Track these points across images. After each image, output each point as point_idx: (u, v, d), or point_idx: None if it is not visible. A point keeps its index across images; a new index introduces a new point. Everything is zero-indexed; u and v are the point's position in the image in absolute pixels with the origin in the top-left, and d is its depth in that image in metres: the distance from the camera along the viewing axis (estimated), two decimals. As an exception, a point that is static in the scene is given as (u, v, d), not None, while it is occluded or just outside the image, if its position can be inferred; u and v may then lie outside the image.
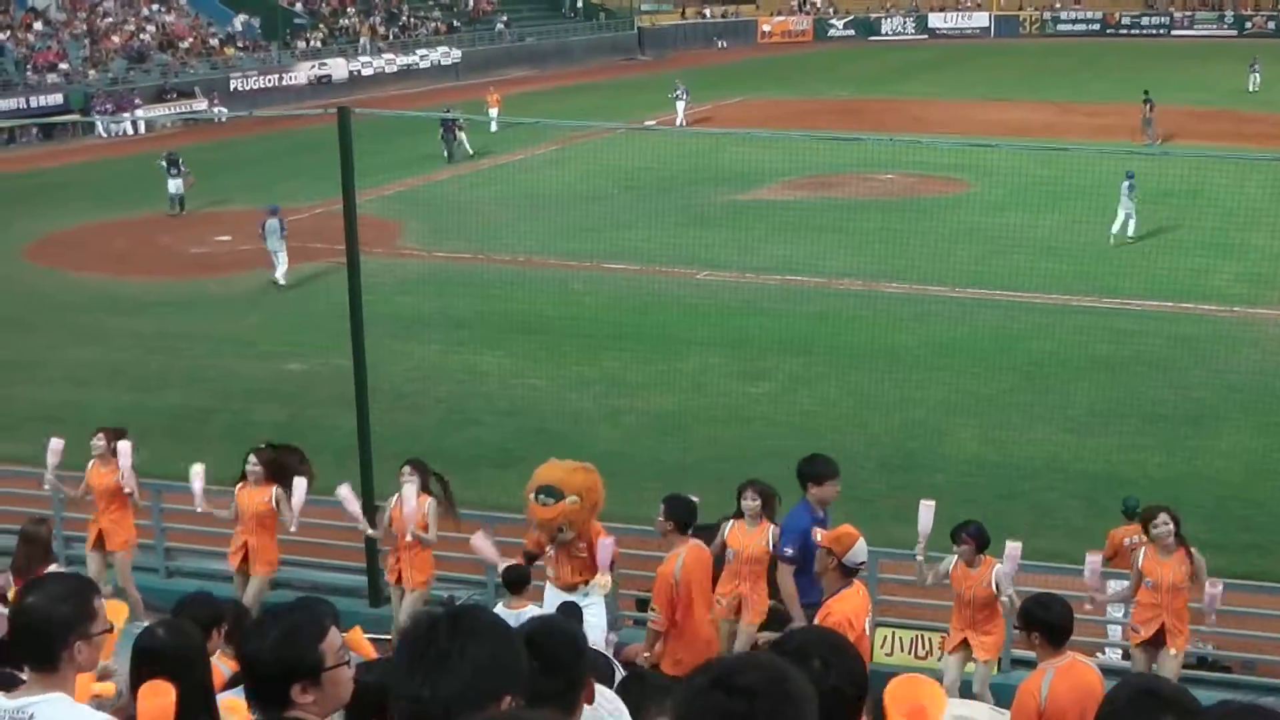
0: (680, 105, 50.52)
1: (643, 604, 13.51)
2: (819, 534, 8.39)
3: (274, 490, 12.40)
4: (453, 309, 24.77)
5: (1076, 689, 6.69)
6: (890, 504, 15.72)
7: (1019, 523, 14.83)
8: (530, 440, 17.85)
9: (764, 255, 28.32)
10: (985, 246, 28.05)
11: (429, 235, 32.07)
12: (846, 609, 7.97)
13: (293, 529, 12.16)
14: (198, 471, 12.37)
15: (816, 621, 7.91)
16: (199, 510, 12.49)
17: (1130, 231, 29.47)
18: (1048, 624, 7.36)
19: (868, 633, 8.15)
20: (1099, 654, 11.22)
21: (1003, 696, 9.62)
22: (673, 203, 34.22)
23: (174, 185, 35.81)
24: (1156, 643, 10.53)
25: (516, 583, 10.09)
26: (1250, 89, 56.34)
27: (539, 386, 21.11)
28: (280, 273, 27.85)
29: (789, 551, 10.17)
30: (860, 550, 8.16)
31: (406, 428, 18.19)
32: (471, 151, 42.76)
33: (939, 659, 11.40)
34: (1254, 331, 23.16)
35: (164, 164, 36.07)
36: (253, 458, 12.44)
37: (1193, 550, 10.39)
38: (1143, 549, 10.74)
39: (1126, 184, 29.22)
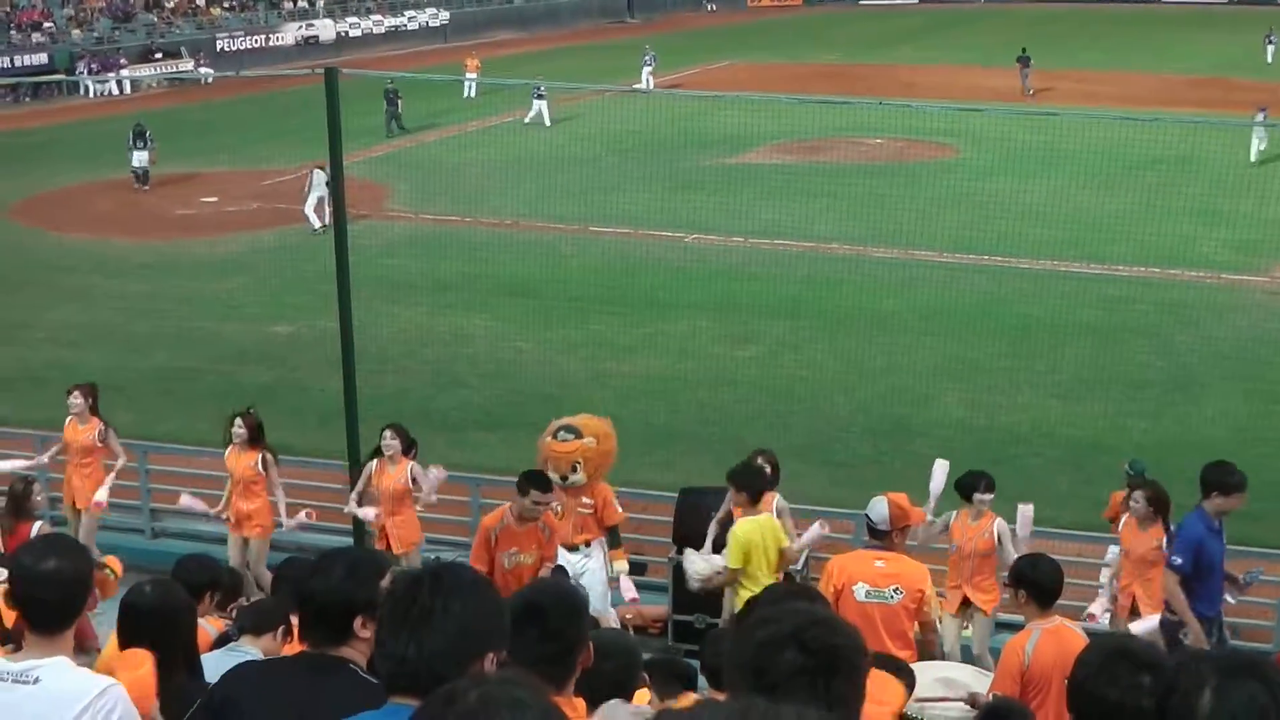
0: (646, 72, 49.37)
1: (633, 567, 13.57)
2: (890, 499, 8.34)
3: (260, 454, 12.40)
4: (440, 272, 24.70)
5: (1062, 653, 6.68)
6: (877, 469, 15.78)
7: (1006, 488, 14.82)
8: (517, 403, 17.86)
9: (752, 219, 28.26)
10: (973, 212, 28.03)
11: (417, 198, 31.95)
12: (840, 560, 8.13)
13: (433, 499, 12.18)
14: (186, 504, 12.46)
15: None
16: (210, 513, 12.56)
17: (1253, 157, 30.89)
18: (1036, 583, 7.34)
19: (859, 597, 7.99)
20: (1093, 616, 11.19)
21: (992, 659, 9.67)
22: (661, 166, 34.11)
23: (138, 158, 34.14)
24: (1136, 612, 10.57)
25: None
26: (1269, 60, 55.00)
27: (526, 350, 21.09)
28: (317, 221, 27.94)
29: (1178, 561, 9.77)
30: (878, 508, 8.17)
31: (393, 390, 18.18)
32: (405, 126, 40.69)
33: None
34: (1241, 298, 23.19)
35: (130, 134, 34.46)
36: (238, 421, 12.43)
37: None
38: (1124, 517, 10.79)
39: (1260, 114, 30.37)
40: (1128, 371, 19.32)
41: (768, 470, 10.81)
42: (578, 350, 20.90)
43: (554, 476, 10.58)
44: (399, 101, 40.32)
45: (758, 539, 9.73)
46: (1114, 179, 30.76)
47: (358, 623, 3.81)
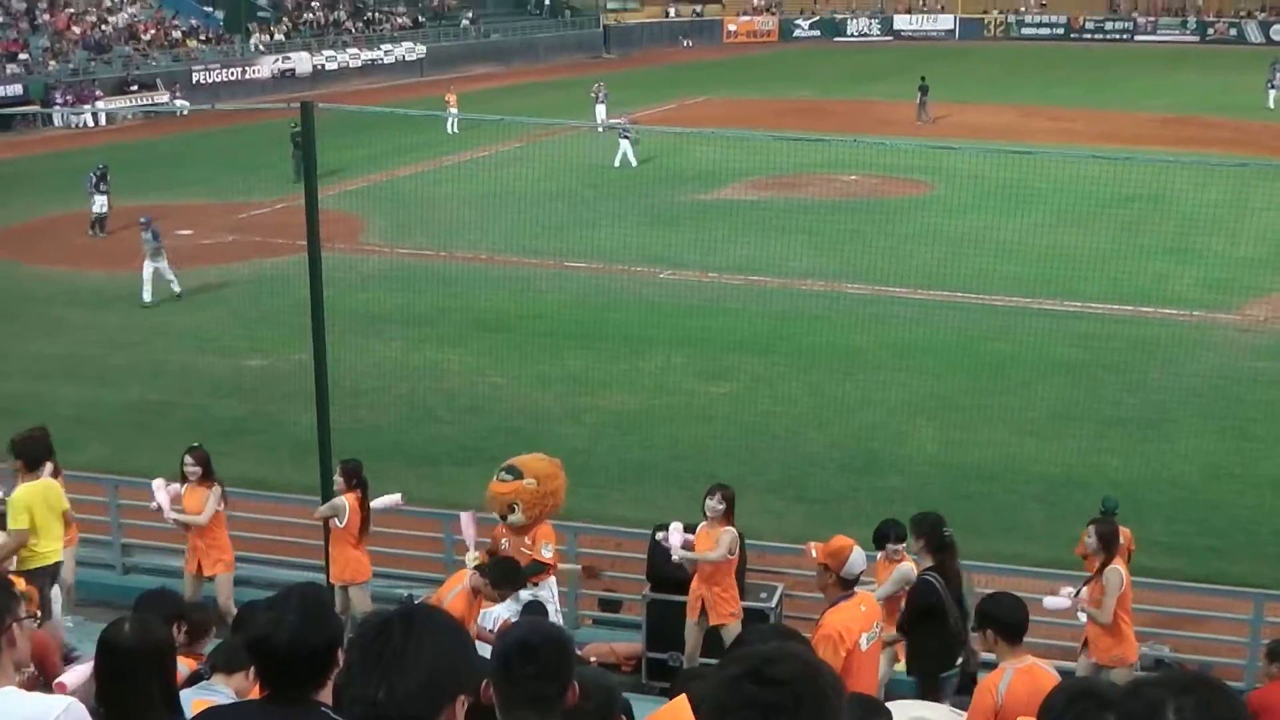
0: (600, 109, 48.18)
1: (606, 604, 13.56)
2: (813, 548, 8.33)
3: (214, 489, 12.36)
4: (415, 305, 24.66)
5: (1035, 692, 6.68)
6: (850, 506, 15.80)
7: (978, 524, 14.93)
8: (492, 438, 17.82)
9: (727, 255, 28.36)
10: (947, 248, 28.12)
11: (392, 231, 31.95)
12: (839, 621, 7.93)
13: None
14: (159, 484, 12.30)
15: (809, 636, 7.89)
16: (169, 519, 12.36)
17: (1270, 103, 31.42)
18: (998, 620, 7.37)
19: (864, 647, 8.06)
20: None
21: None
22: (636, 201, 34.25)
23: (99, 203, 32.37)
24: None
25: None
26: (1270, 105, 52.01)
27: (501, 384, 21.07)
28: (171, 282, 26.40)
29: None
30: (858, 560, 8.12)
31: (367, 424, 18.15)
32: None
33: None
34: (1213, 335, 23.33)
35: (93, 177, 32.53)
36: (188, 458, 12.37)
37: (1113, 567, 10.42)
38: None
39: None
40: (1100, 408, 19.42)
41: (721, 507, 11.05)
42: (552, 385, 20.90)
43: (495, 514, 10.93)
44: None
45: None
46: (1087, 216, 30.99)
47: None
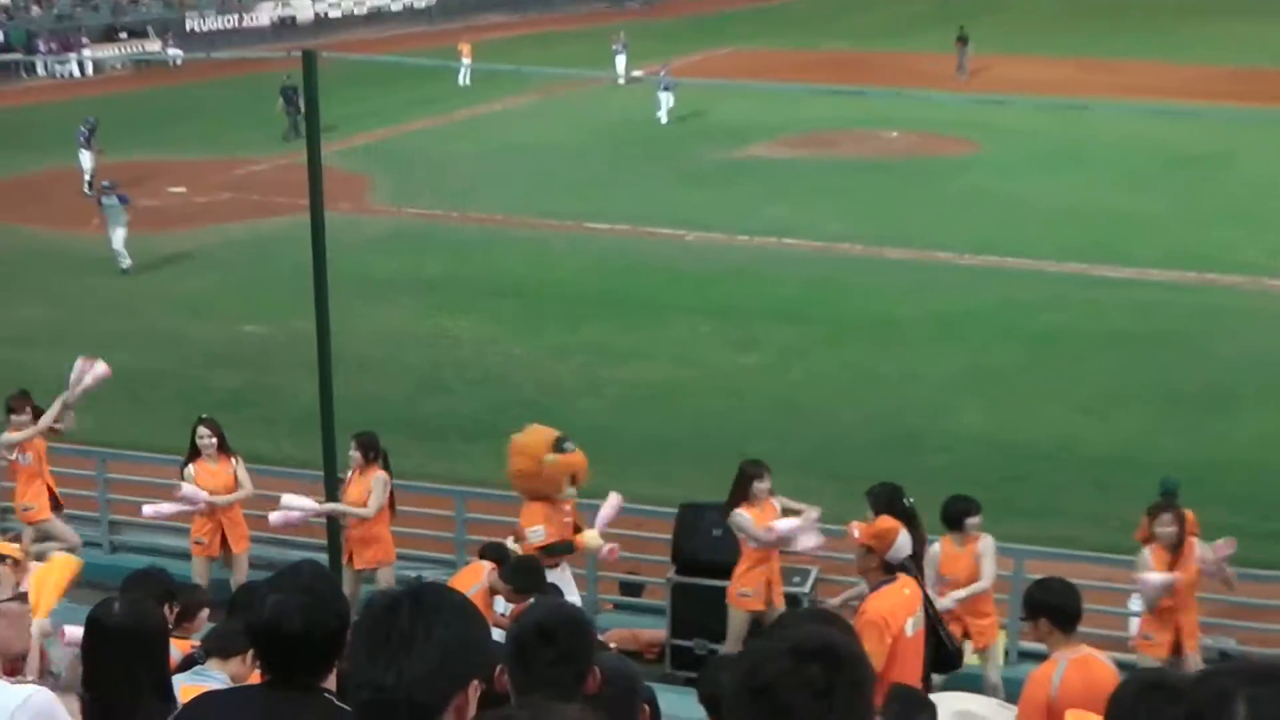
0: (620, 61, 47.89)
1: (626, 587, 13.57)
2: (855, 529, 8.29)
3: (235, 460, 12.39)
4: (424, 270, 24.68)
5: (1091, 684, 6.67)
6: (889, 485, 15.72)
7: (1027, 506, 14.89)
8: (505, 412, 17.79)
9: (758, 217, 28.26)
10: (995, 212, 28.06)
11: (399, 190, 31.94)
12: (883, 606, 7.89)
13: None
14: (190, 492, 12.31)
15: (853, 622, 7.86)
16: (204, 503, 12.33)
17: None
18: (1052, 607, 7.32)
19: (909, 634, 8.05)
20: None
21: (1012, 691, 9.65)
22: (661, 160, 34.16)
23: (87, 159, 32.32)
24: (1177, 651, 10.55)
25: (495, 559, 10.03)
26: None
27: (516, 354, 21.07)
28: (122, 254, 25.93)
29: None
30: (904, 543, 8.08)
31: (372, 396, 18.14)
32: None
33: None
34: (1283, 305, 23.14)
35: (83, 131, 32.60)
36: (203, 430, 12.35)
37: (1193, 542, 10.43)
38: (1148, 548, 10.74)
39: None
40: (1160, 383, 19.29)
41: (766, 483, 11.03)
42: (570, 356, 20.88)
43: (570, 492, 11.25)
44: (299, 101, 36.95)
45: None
46: (1148, 177, 30.79)
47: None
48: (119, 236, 25.67)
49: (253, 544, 12.85)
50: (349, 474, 12.19)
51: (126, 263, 25.64)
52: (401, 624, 3.01)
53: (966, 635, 10.65)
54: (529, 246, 26.46)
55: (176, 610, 7.36)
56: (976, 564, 10.56)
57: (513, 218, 28.80)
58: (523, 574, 9.45)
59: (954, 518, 10.63)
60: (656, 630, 12.53)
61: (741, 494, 11.08)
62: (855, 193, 29.84)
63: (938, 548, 10.55)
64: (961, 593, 10.46)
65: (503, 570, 9.59)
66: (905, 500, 9.97)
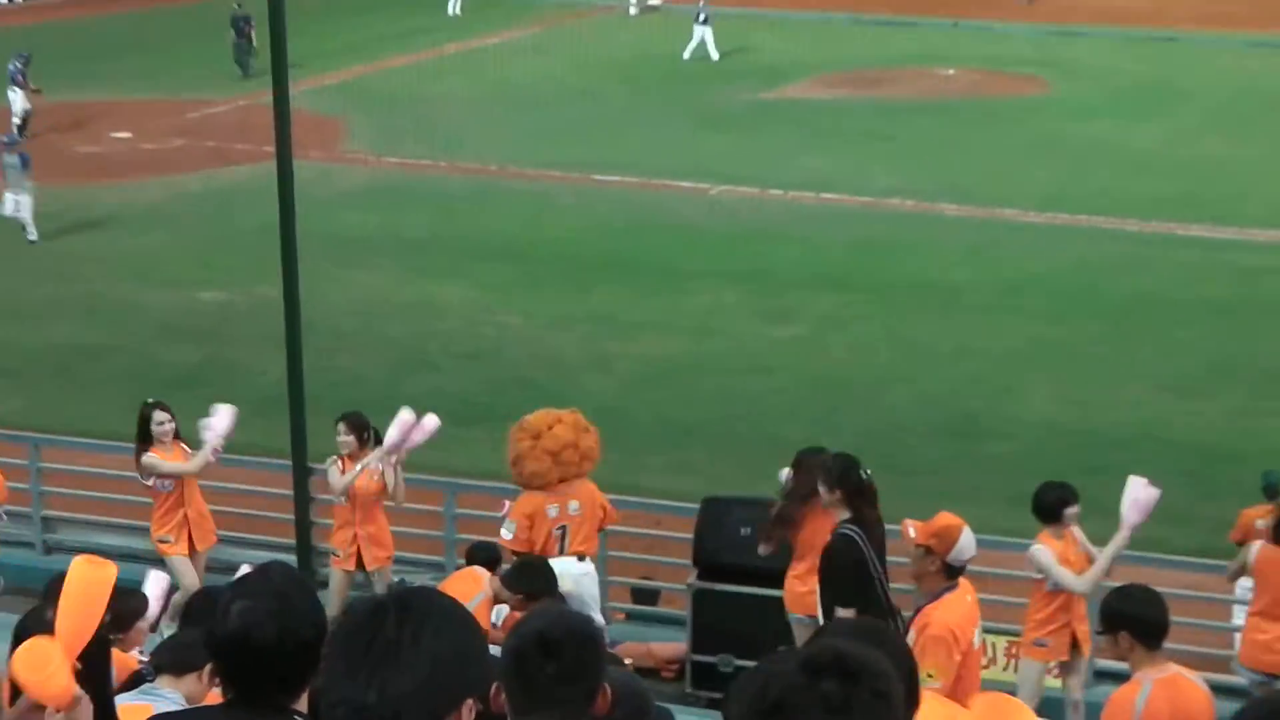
0: None
1: (639, 594, 13.57)
2: (911, 527, 8.27)
3: (185, 450, 12.40)
4: (406, 229, 24.65)
5: (1180, 709, 6.66)
6: (944, 479, 15.72)
7: (1106, 502, 14.82)
8: (501, 392, 17.82)
9: (793, 168, 28.19)
10: (1067, 161, 27.95)
11: (378, 137, 31.89)
12: (950, 618, 7.87)
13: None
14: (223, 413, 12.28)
15: (913, 631, 7.85)
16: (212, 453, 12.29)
17: None
18: (1134, 619, 7.28)
19: (976, 644, 8.07)
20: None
21: (1091, 717, 9.66)
22: (681, 101, 34.08)
23: (16, 100, 31.83)
24: None
25: (486, 563, 10.04)
26: None
27: (512, 326, 21.06)
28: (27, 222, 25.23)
29: None
30: (968, 543, 8.05)
31: (348, 374, 18.15)
32: (250, 73, 36.14)
33: (1005, 667, 11.43)
34: None
35: (16, 66, 32.14)
36: (162, 415, 12.34)
37: None
38: (1257, 543, 10.69)
39: None
40: (1260, 360, 19.23)
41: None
42: (575, 327, 20.87)
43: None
44: (251, 33, 36.77)
45: None
46: (1246, 120, 30.66)
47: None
48: (24, 205, 24.92)
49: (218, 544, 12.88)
50: (335, 462, 12.14)
51: (34, 235, 25.05)
52: (385, 633, 2.99)
53: (1076, 645, 10.61)
54: (527, 201, 26.42)
55: (106, 619, 7.36)
56: (1087, 557, 10.49)
57: (509, 168, 28.76)
58: (525, 575, 9.43)
59: (1050, 508, 10.50)
60: (675, 645, 12.53)
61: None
62: (906, 140, 29.75)
63: (1043, 550, 10.43)
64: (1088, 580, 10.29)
65: (503, 575, 9.58)
66: (862, 472, 9.99)
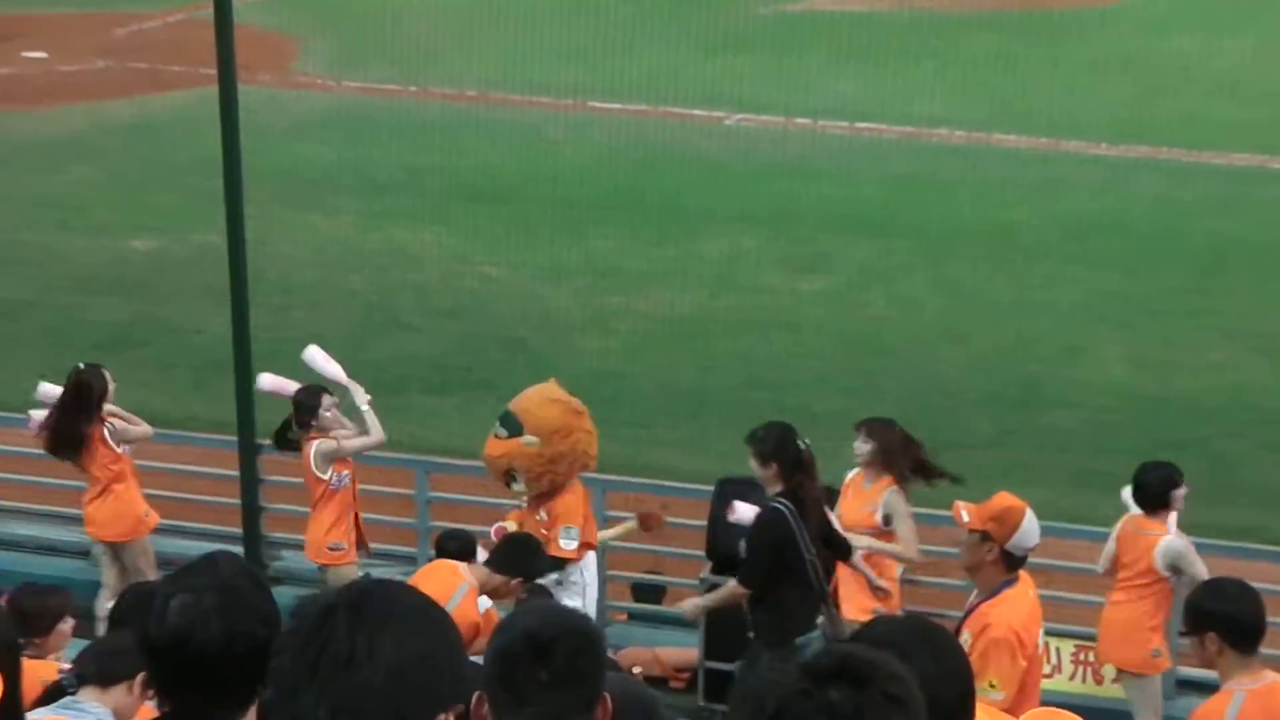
0: None
1: (643, 590, 13.57)
2: (964, 510, 8.21)
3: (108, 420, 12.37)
4: (373, 165, 24.62)
5: (1280, 722, 6.65)
6: (1000, 454, 15.72)
7: (1192, 482, 14.82)
8: (482, 354, 17.83)
9: (822, 92, 28.12)
10: (1143, 84, 27.89)
11: (338, 57, 31.84)
12: (1013, 617, 7.81)
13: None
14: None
15: (966, 634, 7.81)
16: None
17: None
18: (1224, 618, 7.25)
19: (1040, 649, 8.05)
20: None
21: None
22: (693, 15, 33.98)
23: None
24: None
25: (459, 555, 10.05)
26: None
27: (495, 278, 21.06)
28: None
29: None
30: (1031, 529, 7.99)
31: (304, 333, 18.10)
32: None
33: (1073, 676, 11.44)
34: None
35: None
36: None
37: None
38: None
39: None
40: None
41: (870, 445, 10.88)
42: (569, 279, 20.86)
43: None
44: None
45: None
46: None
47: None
48: None
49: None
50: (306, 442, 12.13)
51: None
52: (338, 641, 2.95)
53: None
54: (513, 133, 26.37)
55: (19, 619, 7.38)
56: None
57: (490, 94, 28.73)
58: (519, 554, 9.49)
59: (1159, 493, 10.48)
60: (685, 650, 12.53)
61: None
62: (954, 58, 29.62)
63: (1179, 542, 10.39)
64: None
65: (492, 557, 9.62)
66: (800, 442, 10.01)
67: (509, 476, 10.85)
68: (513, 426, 10.78)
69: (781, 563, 10.01)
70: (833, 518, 10.54)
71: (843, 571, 10.94)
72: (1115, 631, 10.71)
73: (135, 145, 26.25)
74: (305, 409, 12.02)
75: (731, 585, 10.36)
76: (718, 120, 27.28)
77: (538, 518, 10.86)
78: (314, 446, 11.98)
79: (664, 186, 23.92)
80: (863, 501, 10.90)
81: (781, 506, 9.94)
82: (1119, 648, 10.74)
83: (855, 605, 10.94)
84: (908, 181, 23.92)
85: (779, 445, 10.06)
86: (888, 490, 10.83)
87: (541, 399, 11.03)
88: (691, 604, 11.07)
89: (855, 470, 11.04)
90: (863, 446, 10.94)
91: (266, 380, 12.21)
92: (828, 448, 11.17)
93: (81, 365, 12.47)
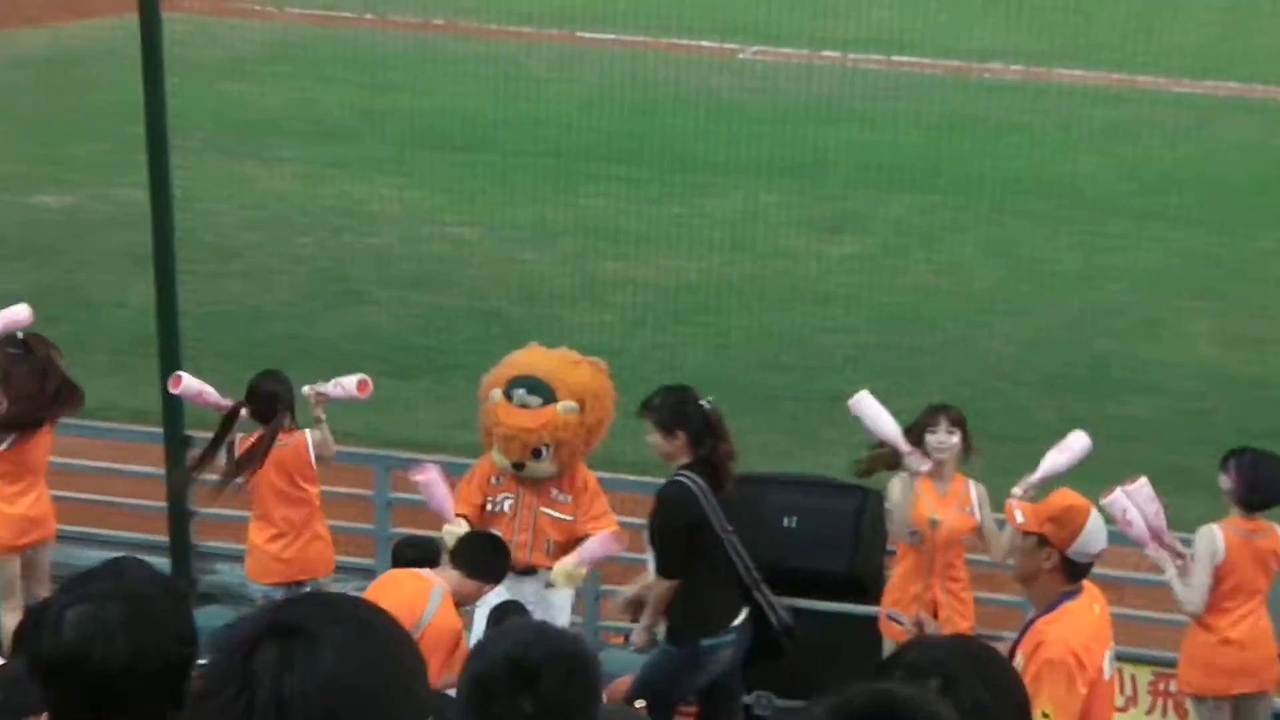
0: None
1: (643, 608, 13.51)
2: (1018, 509, 8.17)
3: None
4: (323, 106, 24.63)
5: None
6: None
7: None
8: (453, 329, 17.83)
9: (854, 20, 28.09)
10: (1229, 11, 27.89)
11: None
12: (1072, 636, 7.75)
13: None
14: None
15: (1021, 654, 7.74)
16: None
17: None
18: None
19: (1107, 675, 7.98)
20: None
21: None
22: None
23: None
24: None
25: (419, 565, 10.00)
26: None
27: (468, 240, 21.06)
28: None
29: None
30: (1096, 532, 7.94)
31: (243, 305, 18.14)
32: None
33: (1151, 709, 11.40)
34: None
35: None
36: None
37: None
38: None
39: None
40: None
41: (955, 436, 10.74)
42: (557, 241, 20.89)
43: (499, 459, 10.66)
44: None
45: None
46: None
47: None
48: None
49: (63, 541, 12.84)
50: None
51: None
52: (262, 685, 2.85)
53: None
54: (488, 69, 26.33)
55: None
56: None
57: (461, 22, 28.73)
58: (489, 554, 9.53)
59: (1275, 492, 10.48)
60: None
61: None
62: (1008, -19, 29.74)
63: (1221, 541, 10.37)
64: None
65: (460, 558, 9.59)
66: (703, 401, 10.08)
67: (535, 453, 10.75)
68: (545, 393, 10.64)
69: (691, 545, 10.02)
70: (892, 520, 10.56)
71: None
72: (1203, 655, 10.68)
73: (45, 84, 26.26)
74: (283, 399, 11.89)
75: (654, 583, 10.29)
76: (730, 53, 27.32)
77: (556, 498, 10.81)
78: (309, 435, 11.89)
79: (665, 132, 23.92)
80: (955, 504, 10.80)
81: (685, 479, 9.95)
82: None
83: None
84: (954, 125, 23.98)
85: (678, 410, 10.07)
86: (970, 485, 10.78)
87: (561, 360, 10.96)
88: (635, 632, 10.94)
89: (922, 467, 10.85)
90: (948, 439, 10.79)
91: (186, 382, 11.84)
92: (860, 439, 11.13)
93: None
